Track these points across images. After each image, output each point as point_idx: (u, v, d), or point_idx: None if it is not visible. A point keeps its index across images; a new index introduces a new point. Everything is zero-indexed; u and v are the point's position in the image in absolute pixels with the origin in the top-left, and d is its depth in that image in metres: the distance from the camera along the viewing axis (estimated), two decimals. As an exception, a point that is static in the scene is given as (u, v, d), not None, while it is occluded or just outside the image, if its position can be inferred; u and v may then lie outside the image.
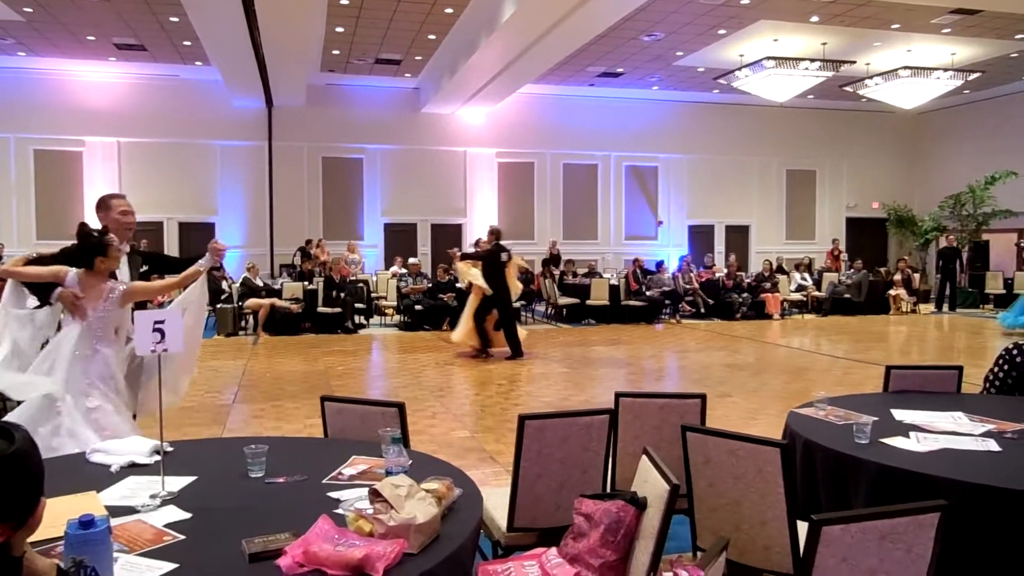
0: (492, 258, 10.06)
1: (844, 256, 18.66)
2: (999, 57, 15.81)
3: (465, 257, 10.66)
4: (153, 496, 2.26)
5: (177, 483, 2.39)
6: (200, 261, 3.72)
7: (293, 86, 15.48)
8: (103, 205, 3.91)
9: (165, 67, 16.12)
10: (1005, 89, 18.58)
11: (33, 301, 3.63)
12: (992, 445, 2.80)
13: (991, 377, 3.81)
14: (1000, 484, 2.35)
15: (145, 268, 4.03)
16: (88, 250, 3.50)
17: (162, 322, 2.52)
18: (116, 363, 3.57)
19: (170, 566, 1.79)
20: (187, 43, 14.17)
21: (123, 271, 3.87)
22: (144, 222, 16.79)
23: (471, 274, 10.19)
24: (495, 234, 10.47)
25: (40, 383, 3.43)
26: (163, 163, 16.90)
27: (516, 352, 10.04)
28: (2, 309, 3.56)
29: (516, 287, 10.56)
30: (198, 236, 17.29)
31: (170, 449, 2.73)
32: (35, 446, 1.34)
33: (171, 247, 16.66)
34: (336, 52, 15.14)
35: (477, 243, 11.48)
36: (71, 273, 3.48)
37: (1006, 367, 3.75)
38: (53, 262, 3.59)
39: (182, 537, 1.98)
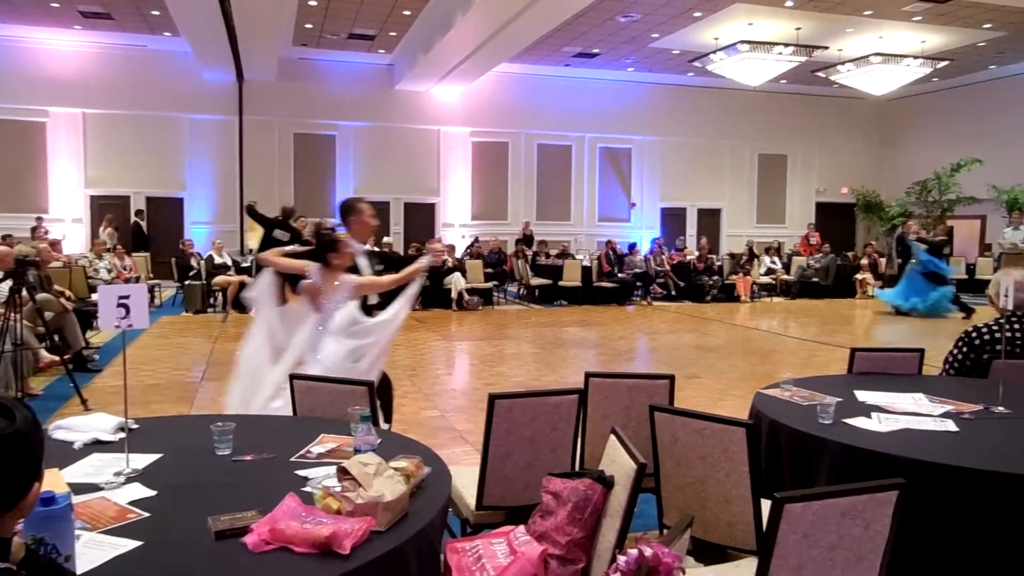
0: (266, 229, 10.79)
1: (815, 241, 18.83)
2: (967, 46, 16.02)
3: (252, 212, 11.78)
4: (117, 473, 2.23)
5: (142, 460, 2.36)
6: (420, 260, 4.11)
7: (264, 60, 15.20)
8: (354, 210, 4.33)
9: (132, 37, 15.73)
10: (972, 77, 18.86)
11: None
12: (950, 425, 2.87)
13: (951, 359, 3.89)
14: (957, 463, 2.40)
15: (381, 267, 4.46)
16: (322, 247, 3.93)
17: (126, 297, 2.48)
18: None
19: (134, 544, 1.77)
20: (155, 12, 13.83)
21: (365, 269, 4.28)
22: (110, 196, 16.51)
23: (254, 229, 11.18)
24: (282, 211, 11.27)
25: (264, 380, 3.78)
26: (129, 136, 16.52)
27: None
28: (261, 296, 4.06)
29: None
30: (166, 211, 17.00)
31: (135, 426, 2.69)
32: (38, 427, 1.28)
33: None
34: (309, 26, 14.88)
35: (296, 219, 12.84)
36: (314, 268, 3.90)
37: (965, 349, 3.82)
38: (301, 258, 4.05)
39: (147, 515, 1.96)
